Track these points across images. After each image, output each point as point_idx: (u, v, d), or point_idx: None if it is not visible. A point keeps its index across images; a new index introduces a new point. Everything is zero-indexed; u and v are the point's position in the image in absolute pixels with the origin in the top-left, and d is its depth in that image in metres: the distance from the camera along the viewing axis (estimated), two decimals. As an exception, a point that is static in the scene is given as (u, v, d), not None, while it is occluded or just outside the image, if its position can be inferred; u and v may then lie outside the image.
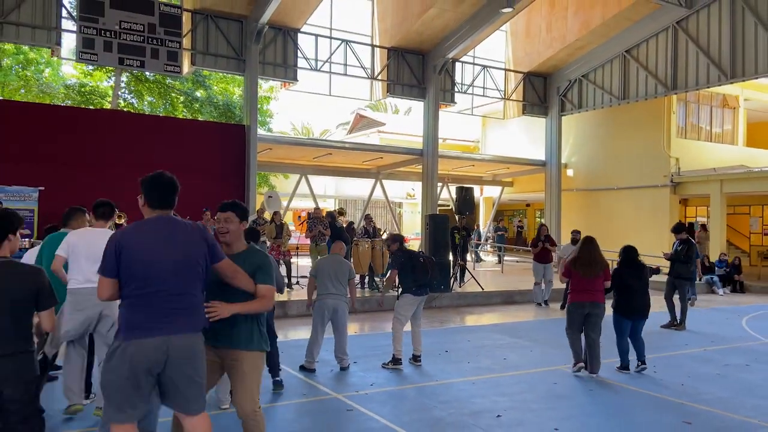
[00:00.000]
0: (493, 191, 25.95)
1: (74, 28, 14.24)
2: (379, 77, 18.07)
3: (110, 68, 18.83)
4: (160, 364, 3.05)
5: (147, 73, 18.92)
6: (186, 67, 15.53)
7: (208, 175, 15.26)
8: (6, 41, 13.58)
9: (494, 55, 20.94)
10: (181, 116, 20.29)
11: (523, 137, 23.71)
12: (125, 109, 19.53)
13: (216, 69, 16.65)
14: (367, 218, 13.38)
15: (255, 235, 6.16)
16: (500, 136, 25.33)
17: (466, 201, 12.86)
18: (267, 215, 14.08)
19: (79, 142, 13.92)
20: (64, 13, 14.06)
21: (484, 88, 19.99)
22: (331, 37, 17.53)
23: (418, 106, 38.83)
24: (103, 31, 13.89)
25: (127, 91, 20.62)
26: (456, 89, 19.30)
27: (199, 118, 19.93)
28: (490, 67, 20.16)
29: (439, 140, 25.97)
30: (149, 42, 14.44)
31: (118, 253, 3.11)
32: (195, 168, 15.04)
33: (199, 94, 20.71)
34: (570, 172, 21.58)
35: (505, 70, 20.45)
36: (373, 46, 18.19)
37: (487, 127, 26.11)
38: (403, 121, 37.26)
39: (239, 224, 3.73)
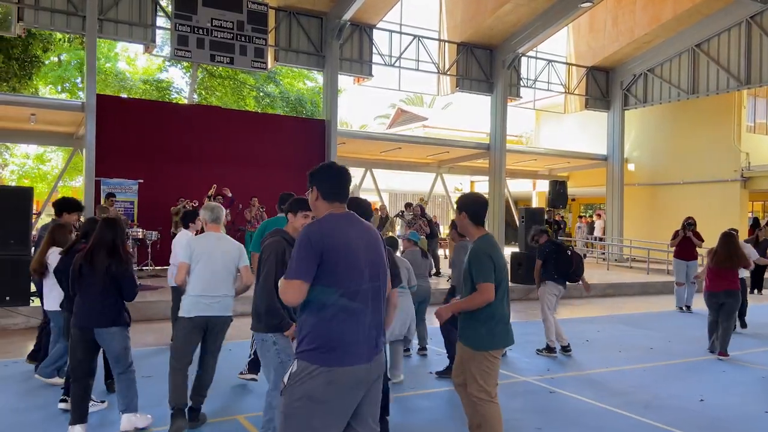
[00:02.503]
0: (543, 185, 26.07)
1: (166, 25, 14.60)
2: (449, 72, 18.26)
3: (187, 64, 19.19)
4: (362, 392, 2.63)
5: (233, 68, 19.19)
6: (269, 63, 15.82)
7: (290, 169, 15.54)
8: (106, 38, 13.96)
9: (554, 49, 21.04)
10: (252, 111, 20.64)
11: (579, 131, 23.77)
12: (204, 104, 19.90)
13: (297, 65, 16.95)
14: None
15: None
16: (554, 131, 25.40)
17: (559, 195, 13.04)
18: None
19: (174, 136, 14.27)
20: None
21: (548, 83, 20.11)
22: (401, 33, 17.74)
23: (457, 101, 39.00)
24: (196, 29, 14.20)
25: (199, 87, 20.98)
26: (522, 84, 19.44)
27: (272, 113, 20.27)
28: (554, 61, 20.26)
29: (485, 134, 26.15)
30: (238, 39, 14.75)
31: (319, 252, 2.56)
32: (278, 162, 15.40)
33: (269, 89, 21.03)
34: (631, 167, 21.64)
35: (570, 64, 20.53)
36: (444, 41, 18.36)
37: (541, 121, 26.19)
38: (443, 115, 37.41)
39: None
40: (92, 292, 4.29)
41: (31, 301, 8.28)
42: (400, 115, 37.67)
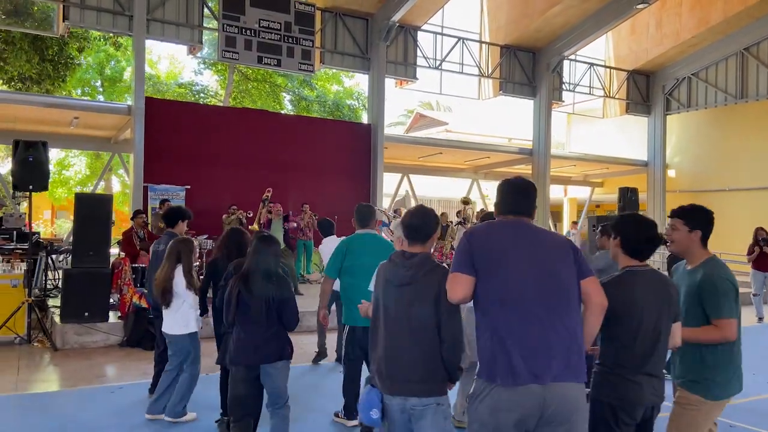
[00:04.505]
0: (575, 191, 25.64)
1: (212, 26, 14.10)
2: (492, 75, 17.80)
3: (221, 67, 18.67)
4: (534, 420, 2.43)
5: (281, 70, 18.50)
6: (315, 65, 15.33)
7: (339, 174, 15.10)
8: (153, 38, 13.44)
9: (592, 52, 20.61)
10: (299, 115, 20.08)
11: (613, 136, 23.33)
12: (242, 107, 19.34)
13: (342, 67, 16.48)
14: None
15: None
16: (586, 135, 24.96)
17: (630, 202, 12.55)
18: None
19: (221, 140, 13.76)
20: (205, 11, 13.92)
21: (590, 87, 19.67)
22: (443, 34, 17.29)
23: (472, 105, 38.54)
24: (243, 30, 13.71)
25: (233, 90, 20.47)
26: (563, 87, 19.00)
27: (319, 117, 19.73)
28: (596, 64, 19.83)
29: (505, 140, 25.63)
30: (285, 40, 14.26)
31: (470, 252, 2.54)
32: (326, 167, 14.94)
33: (304, 92, 20.54)
34: (672, 173, 21.18)
35: (611, 68, 20.10)
36: (487, 44, 17.91)
37: (572, 125, 25.75)
38: (463, 119, 36.92)
39: None
40: (253, 323, 3.73)
41: (109, 316, 7.75)
42: (419, 119, 37.16)
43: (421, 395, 2.71)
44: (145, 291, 7.80)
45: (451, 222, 13.82)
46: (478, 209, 18.33)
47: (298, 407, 5.25)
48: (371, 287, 3.37)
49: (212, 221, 12.57)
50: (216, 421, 4.67)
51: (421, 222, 2.94)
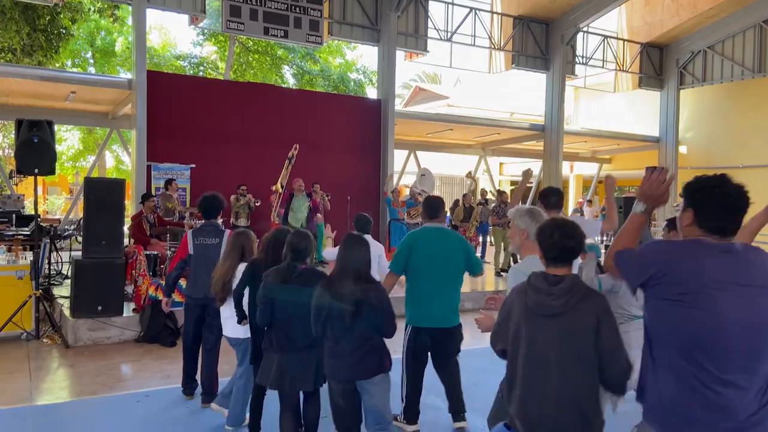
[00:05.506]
0: (581, 168, 25.18)
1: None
2: (504, 48, 17.13)
3: (221, 38, 17.84)
4: None
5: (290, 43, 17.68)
6: (324, 37, 14.59)
7: (346, 151, 14.50)
8: (154, 7, 12.62)
9: (604, 24, 19.93)
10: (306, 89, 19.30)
11: (622, 111, 22.81)
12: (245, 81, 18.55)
13: (351, 39, 15.71)
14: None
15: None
16: (595, 110, 24.41)
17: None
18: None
19: (226, 116, 13.07)
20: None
21: (603, 60, 19.05)
22: (454, 4, 16.54)
23: (468, 78, 37.76)
24: (249, -1, 12.94)
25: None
26: (576, 60, 18.37)
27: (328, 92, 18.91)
28: (610, 37, 19.18)
29: (508, 114, 24.97)
30: (292, 10, 13.51)
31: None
32: (336, 144, 14.34)
33: (307, 65, 19.75)
34: (683, 149, 20.73)
35: (625, 40, 19.45)
36: (499, 14, 17.19)
37: (579, 99, 25.16)
38: (462, 93, 36.17)
39: None
40: (345, 333, 3.27)
41: (124, 310, 7.22)
42: (418, 93, 36.33)
43: None
44: (161, 282, 7.29)
45: (482, 200, 13.31)
46: (481, 186, 17.92)
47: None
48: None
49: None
50: None
51: (576, 243, 2.45)
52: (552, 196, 4.40)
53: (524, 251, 3.34)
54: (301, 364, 3.58)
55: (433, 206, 4.53)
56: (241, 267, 4.28)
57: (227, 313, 4.38)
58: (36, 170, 6.81)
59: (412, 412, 4.46)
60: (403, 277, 4.41)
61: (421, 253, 4.29)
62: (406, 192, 13.55)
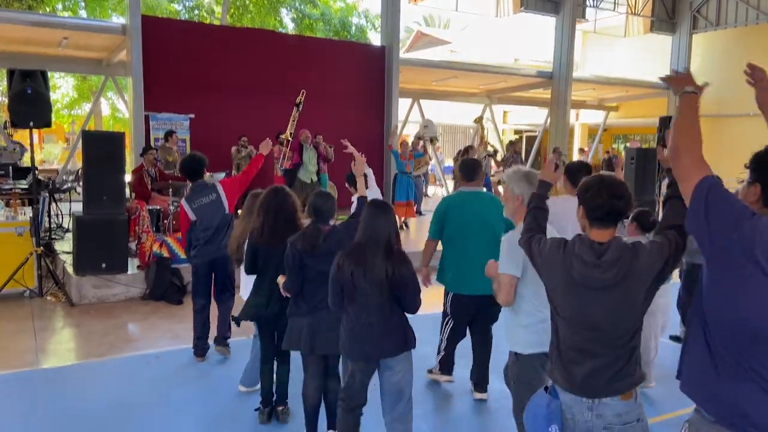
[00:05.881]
0: (587, 116, 24.71)
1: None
2: (513, -10, 16.48)
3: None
4: None
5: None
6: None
7: (349, 101, 14.10)
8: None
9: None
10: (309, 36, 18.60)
11: (631, 58, 22.17)
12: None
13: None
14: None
15: None
16: (603, 56, 23.74)
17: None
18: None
19: (226, 64, 12.61)
20: None
21: (615, 3, 18.36)
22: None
23: (471, 23, 36.70)
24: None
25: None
26: (587, 3, 17.71)
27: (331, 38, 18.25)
28: (622, -22, 18.45)
29: (512, 59, 24.30)
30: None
31: None
32: (339, 93, 13.91)
33: (306, 8, 19.00)
34: (693, 96, 20.21)
35: (638, -18, 18.70)
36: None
37: (588, 45, 24.44)
38: (465, 39, 35.20)
39: None
40: (370, 309, 3.06)
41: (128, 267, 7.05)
42: (420, 38, 35.31)
43: (625, 390, 2.22)
44: (166, 239, 7.11)
45: (492, 152, 12.97)
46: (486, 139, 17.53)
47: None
48: (509, 270, 2.89)
49: (221, 154, 11.67)
50: (255, 410, 4.05)
51: (626, 204, 2.22)
52: (581, 173, 4.01)
53: (519, 218, 3.11)
54: (335, 326, 3.37)
55: (469, 168, 4.38)
56: None
57: (247, 278, 4.21)
58: (31, 123, 6.50)
59: (448, 364, 4.49)
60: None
61: (456, 219, 4.21)
62: (409, 142, 13.19)
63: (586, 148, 23.17)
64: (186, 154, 5.10)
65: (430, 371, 4.68)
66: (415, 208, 11.74)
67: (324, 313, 3.37)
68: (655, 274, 2.15)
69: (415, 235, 10.66)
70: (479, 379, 4.42)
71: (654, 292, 2.20)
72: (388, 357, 3.11)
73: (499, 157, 13.23)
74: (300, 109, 10.23)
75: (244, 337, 5.23)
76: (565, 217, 3.79)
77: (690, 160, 1.94)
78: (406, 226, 11.03)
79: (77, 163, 16.79)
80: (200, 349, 5.02)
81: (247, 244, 3.91)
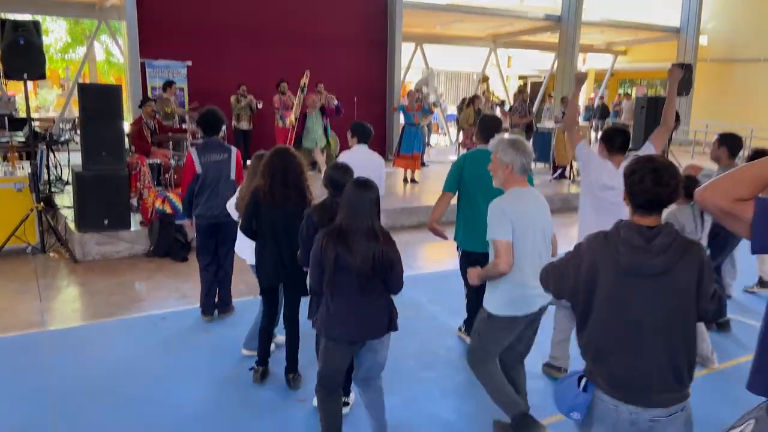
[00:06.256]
0: (594, 60, 24.12)
1: None
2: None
3: None
4: None
5: None
6: None
7: (351, 46, 13.67)
8: None
9: None
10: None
11: (641, 1, 21.43)
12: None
13: None
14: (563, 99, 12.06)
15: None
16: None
17: (685, 80, 11.31)
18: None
19: (221, 7, 12.12)
20: None
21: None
22: None
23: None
24: None
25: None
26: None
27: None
28: None
29: (518, 2, 23.58)
30: None
31: None
32: (339, 39, 13.46)
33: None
34: (703, 40, 19.67)
35: None
36: None
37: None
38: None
39: None
40: (355, 292, 2.93)
41: (131, 224, 6.95)
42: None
43: (669, 404, 2.12)
44: (168, 195, 6.99)
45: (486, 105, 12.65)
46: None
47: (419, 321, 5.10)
48: (502, 236, 2.99)
49: (220, 103, 11.28)
50: (250, 369, 4.07)
51: (671, 192, 2.09)
52: (617, 138, 3.84)
53: (508, 185, 3.17)
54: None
55: (489, 128, 4.27)
56: None
57: (248, 240, 4.13)
58: (25, 75, 6.25)
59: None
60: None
61: (472, 176, 4.15)
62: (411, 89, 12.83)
63: (593, 94, 22.71)
64: (203, 109, 4.90)
65: (459, 328, 4.81)
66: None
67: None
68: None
69: (423, 188, 10.50)
70: None
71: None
72: (374, 339, 3.03)
73: (507, 108, 12.94)
74: (304, 92, 9.90)
75: (251, 296, 5.19)
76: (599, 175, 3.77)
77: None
78: (413, 180, 10.81)
79: (74, 110, 16.47)
80: (208, 307, 4.98)
81: (249, 201, 3.78)
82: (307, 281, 3.21)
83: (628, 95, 20.71)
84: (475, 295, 4.39)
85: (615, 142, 3.82)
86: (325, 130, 10.02)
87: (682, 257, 2.04)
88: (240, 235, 4.22)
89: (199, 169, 4.67)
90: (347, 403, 3.61)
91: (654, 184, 2.06)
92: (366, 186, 2.95)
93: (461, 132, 13.00)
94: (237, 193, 4.34)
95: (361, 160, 5.16)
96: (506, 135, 3.31)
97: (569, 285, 2.22)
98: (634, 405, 2.11)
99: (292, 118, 10.12)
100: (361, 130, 4.92)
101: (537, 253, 3.07)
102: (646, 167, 2.09)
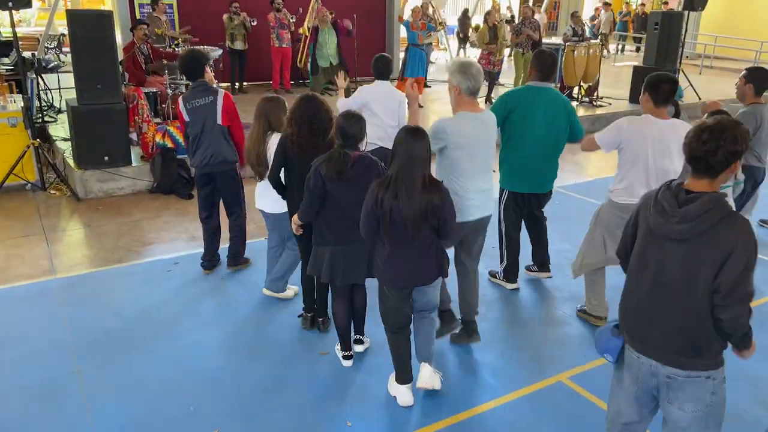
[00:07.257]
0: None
1: None
2: None
3: None
4: None
5: None
6: None
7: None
8: None
9: None
10: None
11: None
12: None
13: None
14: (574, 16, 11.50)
15: None
16: None
17: (699, -4, 10.76)
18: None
19: None
20: None
21: None
22: None
23: None
24: None
25: None
26: None
27: None
28: None
29: None
30: None
31: None
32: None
33: None
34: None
35: None
36: None
37: None
38: None
39: None
40: (408, 241, 2.94)
41: (132, 159, 6.74)
42: None
43: (687, 368, 2.11)
44: (168, 128, 6.75)
45: (501, 21, 12.03)
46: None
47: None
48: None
49: (213, 23, 10.85)
50: (299, 316, 4.12)
51: (723, 151, 1.96)
52: (664, 85, 3.40)
53: (457, 108, 3.39)
54: (354, 257, 3.37)
55: (546, 65, 4.07)
56: (274, 139, 3.80)
57: (263, 188, 4.05)
58: (10, 3, 5.83)
59: (512, 272, 4.56)
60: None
61: (521, 118, 4.02)
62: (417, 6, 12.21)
63: (598, 5, 21.75)
64: (180, 56, 4.60)
65: (494, 276, 4.68)
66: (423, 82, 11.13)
67: (345, 245, 3.33)
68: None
69: (428, 111, 10.19)
70: (541, 260, 4.66)
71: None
72: (424, 285, 3.12)
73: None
74: (319, 2, 9.33)
75: (262, 238, 5.10)
76: (643, 141, 3.46)
77: None
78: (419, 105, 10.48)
79: (57, 27, 15.71)
80: (206, 262, 4.82)
81: (277, 151, 3.61)
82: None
83: (607, 4, 19.70)
84: (509, 243, 4.46)
85: (662, 90, 3.41)
86: (341, 58, 9.64)
87: (709, 231, 1.96)
88: (258, 184, 4.09)
89: (186, 117, 4.43)
90: (361, 342, 3.77)
91: (701, 142, 1.98)
92: (419, 134, 2.89)
93: (470, 49, 12.47)
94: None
95: (381, 95, 4.96)
96: (461, 58, 3.32)
97: (626, 235, 2.31)
98: (652, 359, 2.16)
99: (305, 27, 9.67)
100: (380, 64, 4.90)
101: (477, 170, 3.40)
102: (704, 128, 2.00)
